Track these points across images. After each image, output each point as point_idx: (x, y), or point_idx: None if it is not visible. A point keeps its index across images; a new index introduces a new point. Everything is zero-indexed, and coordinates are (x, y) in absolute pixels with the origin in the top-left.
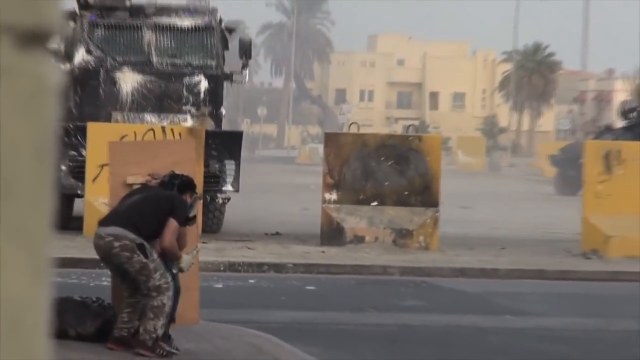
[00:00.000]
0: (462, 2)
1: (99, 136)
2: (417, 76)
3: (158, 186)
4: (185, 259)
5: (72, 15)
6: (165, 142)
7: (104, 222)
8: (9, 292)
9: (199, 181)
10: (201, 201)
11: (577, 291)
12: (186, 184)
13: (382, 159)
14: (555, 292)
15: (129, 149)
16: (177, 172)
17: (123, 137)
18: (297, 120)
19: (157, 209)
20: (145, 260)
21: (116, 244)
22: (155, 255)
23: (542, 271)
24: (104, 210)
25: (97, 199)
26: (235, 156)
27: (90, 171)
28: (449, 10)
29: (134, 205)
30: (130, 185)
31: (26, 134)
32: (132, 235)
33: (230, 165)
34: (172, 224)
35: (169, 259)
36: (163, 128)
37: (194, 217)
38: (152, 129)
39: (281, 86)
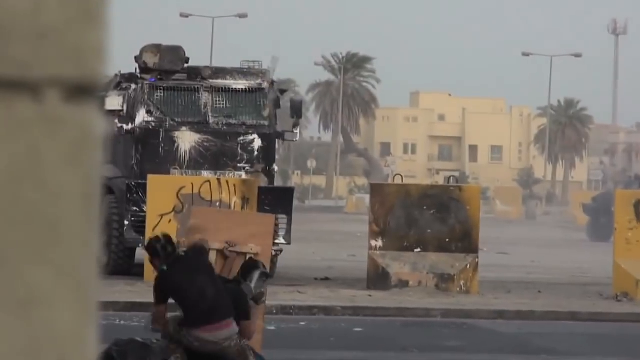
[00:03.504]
0: (498, 60)
1: (159, 188)
2: (457, 130)
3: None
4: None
5: (134, 78)
6: (247, 214)
7: (204, 321)
8: (58, 330)
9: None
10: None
11: (609, 332)
12: (168, 242)
13: (425, 208)
14: (588, 333)
15: (212, 215)
16: (254, 245)
17: (181, 188)
18: (344, 172)
19: (228, 293)
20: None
21: (232, 343)
22: None
23: (575, 313)
24: None
25: None
26: (287, 211)
27: (150, 220)
28: (485, 67)
29: (217, 294)
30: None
31: (73, 180)
32: (236, 328)
33: (282, 219)
34: (246, 326)
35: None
36: (219, 180)
37: (262, 292)
38: (209, 181)
39: (329, 140)
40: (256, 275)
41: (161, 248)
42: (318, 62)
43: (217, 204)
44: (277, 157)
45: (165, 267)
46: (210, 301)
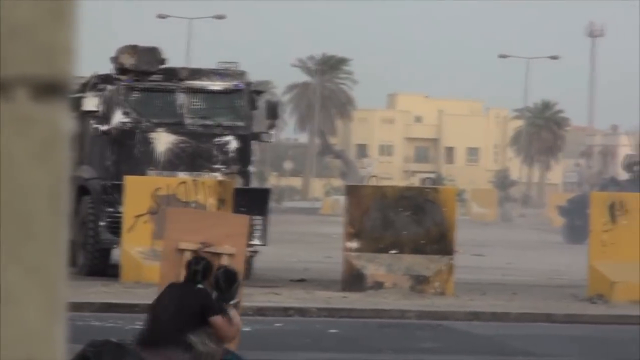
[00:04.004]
0: (475, 62)
1: (136, 189)
2: (434, 132)
3: (182, 282)
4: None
5: (110, 79)
6: (222, 215)
7: (149, 344)
8: (25, 329)
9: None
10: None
11: (584, 334)
12: (208, 266)
13: (401, 209)
14: (563, 335)
15: (187, 216)
16: (229, 245)
17: (157, 189)
18: (320, 174)
19: (191, 313)
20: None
21: None
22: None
23: (550, 315)
24: (139, 258)
25: (133, 248)
26: (263, 212)
27: (127, 221)
28: (462, 69)
29: (169, 321)
30: (182, 250)
31: (42, 178)
32: (183, 355)
33: (258, 221)
34: (218, 321)
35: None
36: (194, 181)
37: (238, 302)
38: (185, 182)
39: (306, 141)
40: (235, 287)
41: (193, 272)
42: (294, 63)
43: (193, 205)
44: (253, 158)
45: (176, 282)
46: (161, 332)
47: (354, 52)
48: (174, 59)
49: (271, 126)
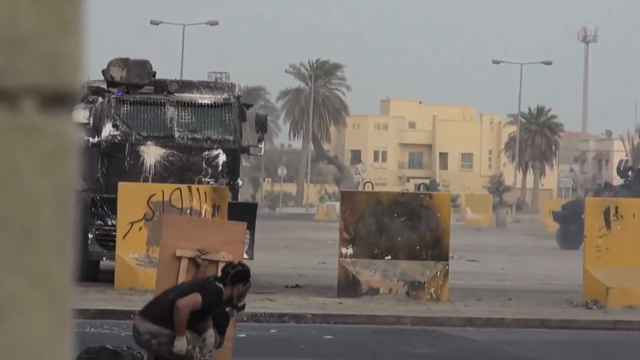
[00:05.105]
0: (468, 68)
1: (130, 195)
2: (428, 138)
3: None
4: (182, 342)
5: (100, 92)
6: (218, 222)
7: (143, 313)
8: (33, 339)
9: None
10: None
11: (579, 339)
12: (241, 274)
13: (395, 215)
14: (558, 341)
15: (183, 223)
16: (226, 253)
17: (152, 196)
18: (315, 180)
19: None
20: None
21: (154, 341)
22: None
23: (545, 320)
24: (134, 264)
25: (128, 254)
26: (251, 226)
27: (121, 228)
28: (455, 75)
29: (170, 300)
30: (179, 257)
31: (48, 188)
32: (166, 331)
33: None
34: (196, 296)
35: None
36: (189, 187)
37: (243, 305)
38: (179, 188)
39: (300, 147)
40: (246, 289)
41: (225, 273)
42: (288, 69)
43: (188, 211)
44: (245, 167)
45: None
46: (159, 300)
47: (347, 58)
48: (168, 66)
49: (260, 139)
